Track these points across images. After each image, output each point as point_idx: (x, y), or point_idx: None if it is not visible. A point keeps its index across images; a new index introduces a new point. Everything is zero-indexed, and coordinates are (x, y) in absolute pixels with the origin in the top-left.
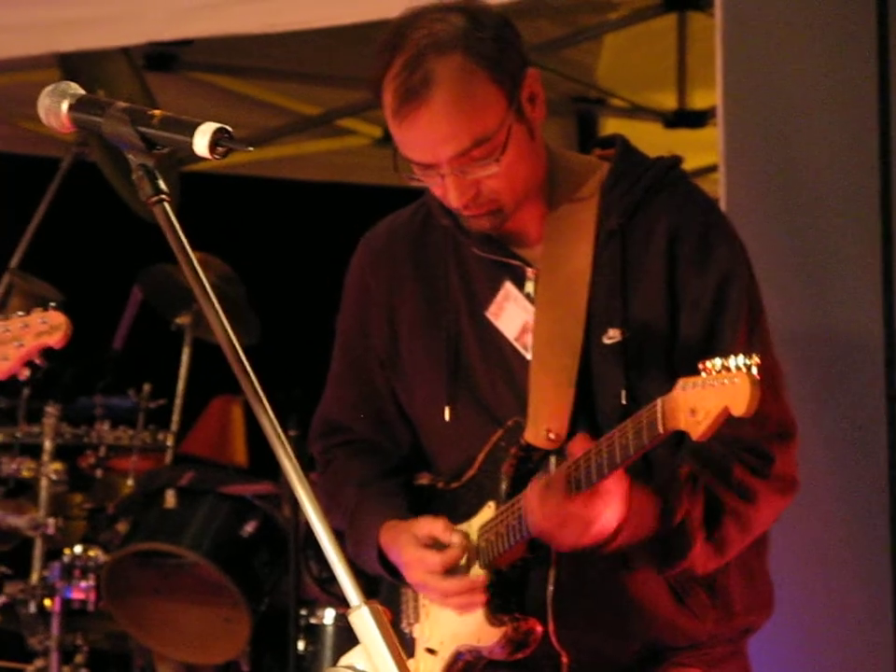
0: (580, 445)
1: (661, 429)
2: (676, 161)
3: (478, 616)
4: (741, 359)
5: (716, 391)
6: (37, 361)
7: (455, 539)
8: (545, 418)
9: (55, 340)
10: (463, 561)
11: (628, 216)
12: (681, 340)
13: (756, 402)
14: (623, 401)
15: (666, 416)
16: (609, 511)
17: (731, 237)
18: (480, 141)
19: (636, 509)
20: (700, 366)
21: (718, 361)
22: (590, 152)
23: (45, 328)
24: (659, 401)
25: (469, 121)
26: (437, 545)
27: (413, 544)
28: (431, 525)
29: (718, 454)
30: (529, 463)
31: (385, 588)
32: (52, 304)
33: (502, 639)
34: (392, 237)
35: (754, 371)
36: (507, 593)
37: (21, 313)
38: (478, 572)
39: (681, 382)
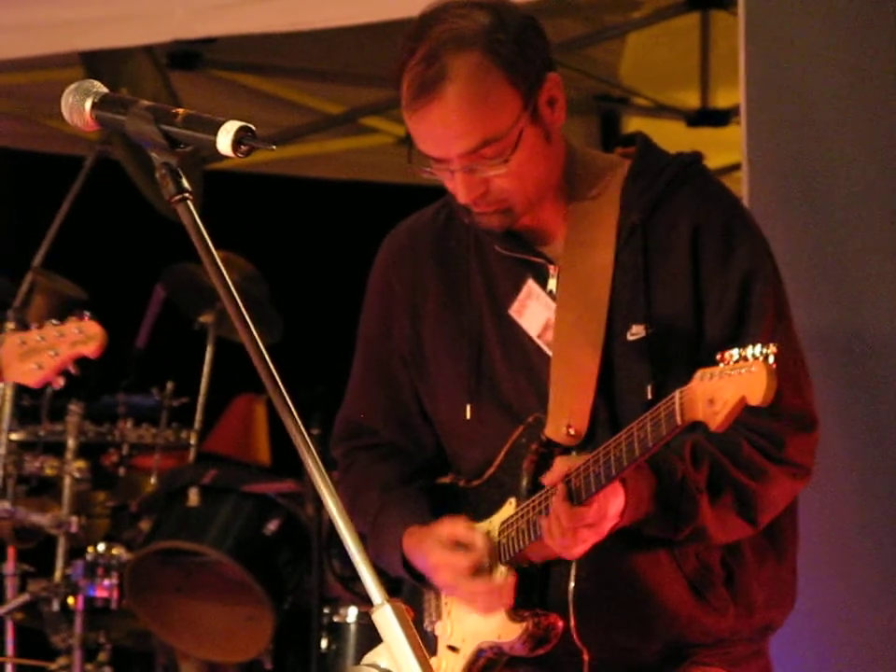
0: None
1: (679, 420)
2: (696, 156)
3: (499, 612)
4: (758, 349)
5: (733, 381)
6: (72, 370)
7: (478, 538)
8: (565, 414)
9: (90, 350)
10: (486, 559)
11: (649, 211)
12: (706, 338)
13: (773, 391)
14: (649, 396)
15: (685, 407)
16: (615, 502)
17: (754, 233)
18: (490, 140)
19: (631, 488)
20: (718, 356)
21: (735, 351)
22: (612, 151)
23: (80, 337)
24: (677, 393)
25: (480, 120)
26: (461, 546)
27: (439, 548)
28: (452, 527)
29: (728, 433)
30: (550, 459)
31: (407, 586)
32: (88, 314)
33: (523, 635)
34: (415, 236)
35: (771, 359)
36: (528, 588)
37: (55, 321)
38: (501, 570)
39: (699, 373)
